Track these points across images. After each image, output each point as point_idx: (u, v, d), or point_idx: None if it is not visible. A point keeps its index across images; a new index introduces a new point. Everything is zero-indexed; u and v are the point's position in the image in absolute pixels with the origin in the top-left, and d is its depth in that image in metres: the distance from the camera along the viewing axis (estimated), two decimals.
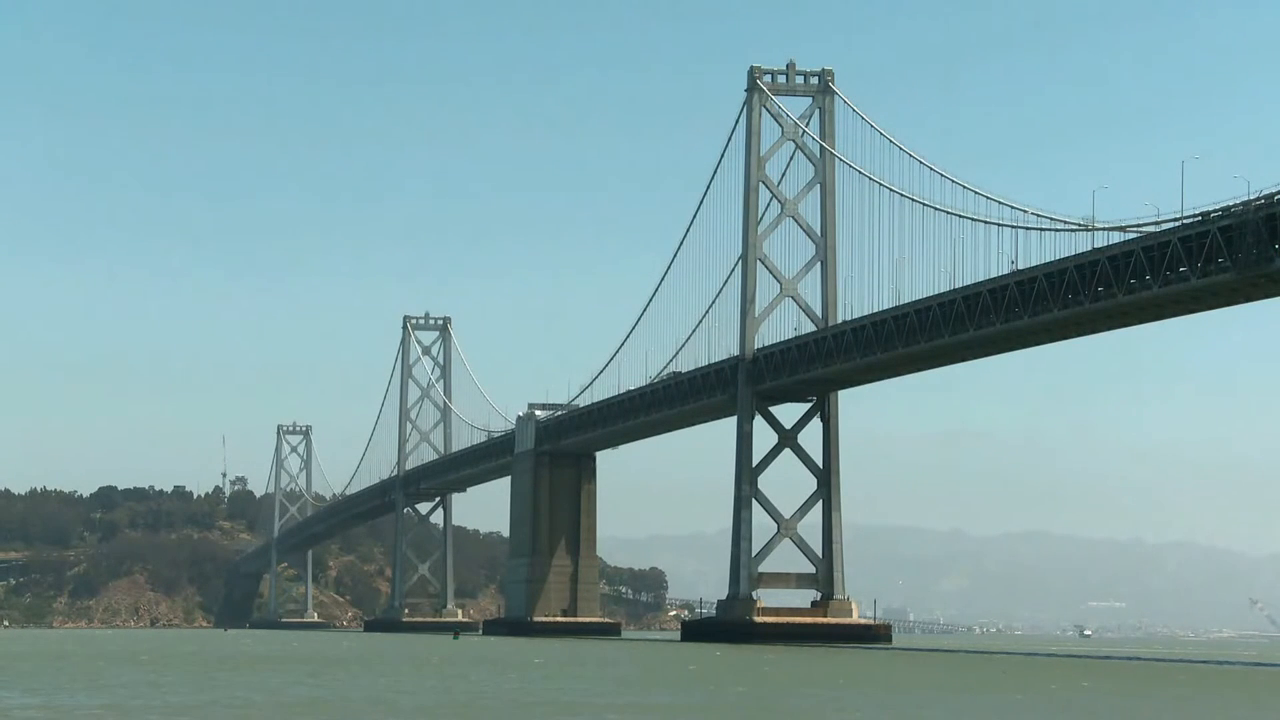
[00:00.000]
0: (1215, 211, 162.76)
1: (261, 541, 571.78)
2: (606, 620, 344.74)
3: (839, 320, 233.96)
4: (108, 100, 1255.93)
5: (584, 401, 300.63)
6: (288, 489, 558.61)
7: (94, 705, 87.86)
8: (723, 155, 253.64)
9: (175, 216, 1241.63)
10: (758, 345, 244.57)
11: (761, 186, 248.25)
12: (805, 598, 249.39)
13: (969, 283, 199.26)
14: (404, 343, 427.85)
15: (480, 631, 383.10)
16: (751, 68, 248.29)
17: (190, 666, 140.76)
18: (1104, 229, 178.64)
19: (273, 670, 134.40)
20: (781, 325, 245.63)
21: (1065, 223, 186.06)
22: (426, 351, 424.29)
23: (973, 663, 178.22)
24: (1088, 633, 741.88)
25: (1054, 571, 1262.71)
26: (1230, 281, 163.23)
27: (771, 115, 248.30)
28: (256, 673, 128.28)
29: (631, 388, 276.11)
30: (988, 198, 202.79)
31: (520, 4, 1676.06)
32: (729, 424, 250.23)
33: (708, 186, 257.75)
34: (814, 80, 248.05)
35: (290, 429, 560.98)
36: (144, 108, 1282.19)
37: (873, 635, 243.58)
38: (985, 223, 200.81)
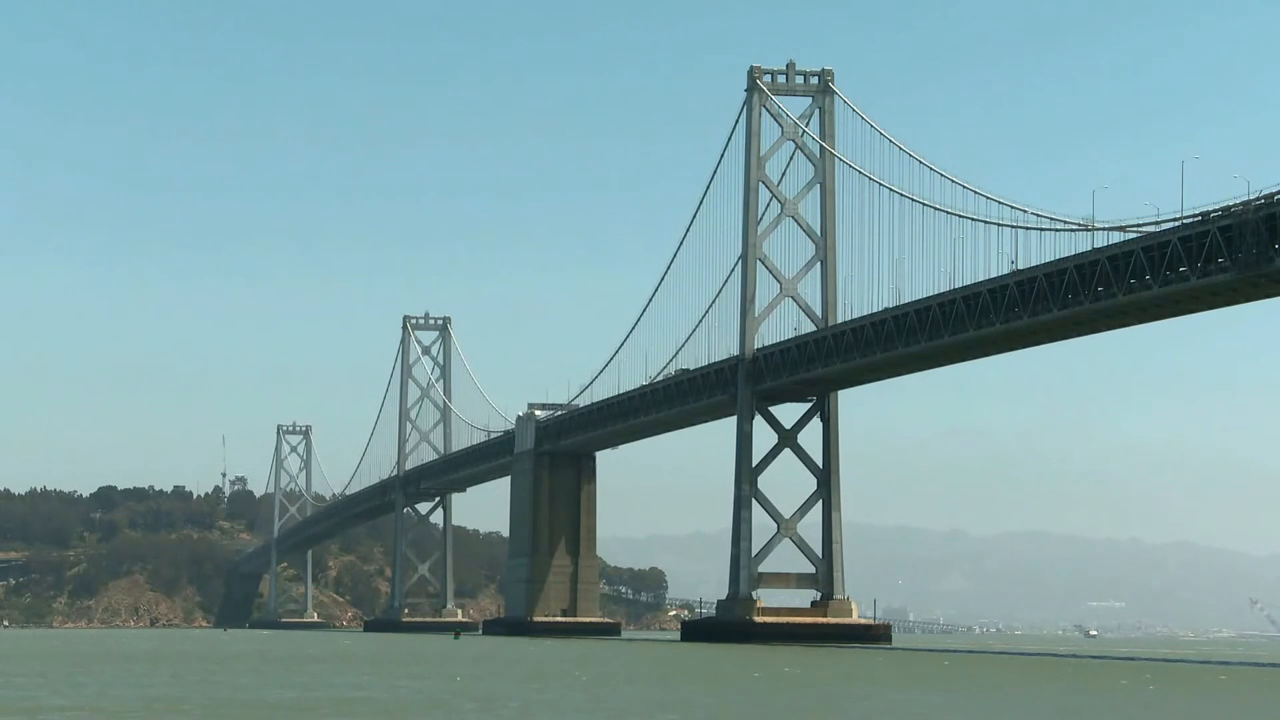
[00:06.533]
0: (1215, 211, 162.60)
1: (261, 541, 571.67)
2: (606, 620, 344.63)
3: (839, 320, 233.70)
4: (107, 100, 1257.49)
5: (584, 401, 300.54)
6: (288, 489, 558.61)
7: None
8: (723, 155, 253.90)
9: (175, 217, 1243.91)
10: (758, 345, 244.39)
11: (761, 186, 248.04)
12: (805, 598, 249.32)
13: (969, 283, 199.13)
14: (404, 343, 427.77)
15: (480, 631, 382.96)
16: (751, 68, 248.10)
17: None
18: (1104, 229, 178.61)
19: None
20: (781, 325, 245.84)
21: (1065, 223, 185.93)
22: (426, 351, 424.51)
23: (998, 663, 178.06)
24: (1092, 632, 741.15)
25: (1054, 571, 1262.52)
26: (1230, 281, 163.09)
27: (771, 115, 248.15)
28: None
29: (631, 388, 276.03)
30: (988, 198, 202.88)
31: (520, 4, 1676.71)
32: (729, 424, 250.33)
33: (708, 186, 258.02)
34: (814, 80, 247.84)
35: (290, 429, 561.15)
36: (143, 108, 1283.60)
37: (873, 635, 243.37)
38: (985, 223, 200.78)
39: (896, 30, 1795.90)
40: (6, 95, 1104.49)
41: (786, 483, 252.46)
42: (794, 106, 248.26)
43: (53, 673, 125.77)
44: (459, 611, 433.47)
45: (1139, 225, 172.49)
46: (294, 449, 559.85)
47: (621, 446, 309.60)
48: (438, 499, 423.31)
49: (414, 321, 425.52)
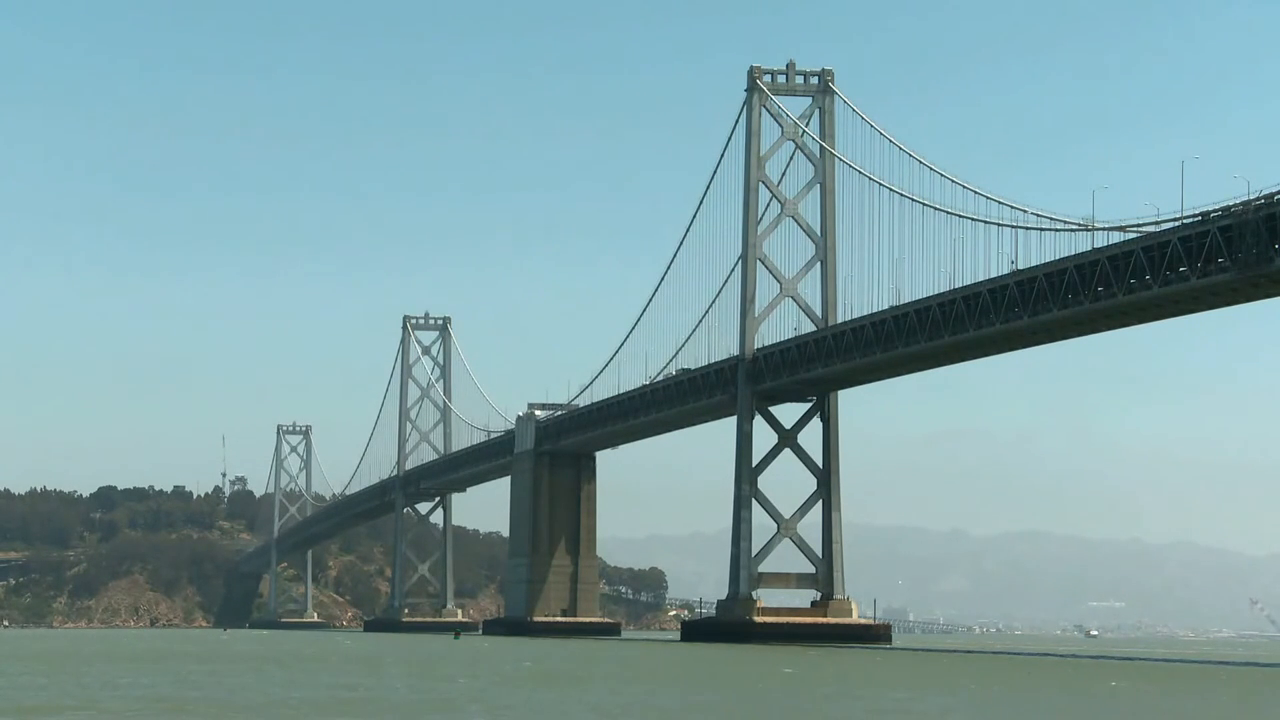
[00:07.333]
0: (1215, 211, 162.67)
1: (261, 541, 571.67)
2: (606, 620, 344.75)
3: (839, 320, 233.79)
4: (109, 100, 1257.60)
5: (584, 401, 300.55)
6: (288, 489, 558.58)
7: None
8: (723, 155, 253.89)
9: (175, 216, 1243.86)
10: (758, 345, 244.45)
11: (761, 186, 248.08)
12: (805, 598, 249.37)
13: (969, 283, 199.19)
14: (404, 343, 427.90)
15: (480, 631, 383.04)
16: (751, 68, 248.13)
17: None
18: (1104, 229, 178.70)
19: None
20: (781, 325, 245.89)
21: (1065, 223, 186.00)
22: (426, 351, 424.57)
23: (999, 663, 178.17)
24: (1093, 632, 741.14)
25: (1054, 571, 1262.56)
26: (1230, 281, 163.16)
27: (771, 115, 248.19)
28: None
29: (631, 388, 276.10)
30: (988, 198, 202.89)
31: (521, 4, 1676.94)
32: (729, 424, 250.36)
33: (708, 186, 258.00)
34: (814, 80, 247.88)
35: (290, 429, 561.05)
36: (145, 107, 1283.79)
37: (872, 635, 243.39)
38: (985, 223, 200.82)
39: (896, 30, 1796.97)
40: (6, 95, 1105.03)
41: (786, 483, 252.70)
42: (794, 106, 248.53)
43: (54, 673, 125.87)
44: (459, 611, 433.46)
45: (1139, 225, 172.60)
46: (294, 449, 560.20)
47: (621, 446, 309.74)
48: (438, 499, 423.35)
49: (414, 321, 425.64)
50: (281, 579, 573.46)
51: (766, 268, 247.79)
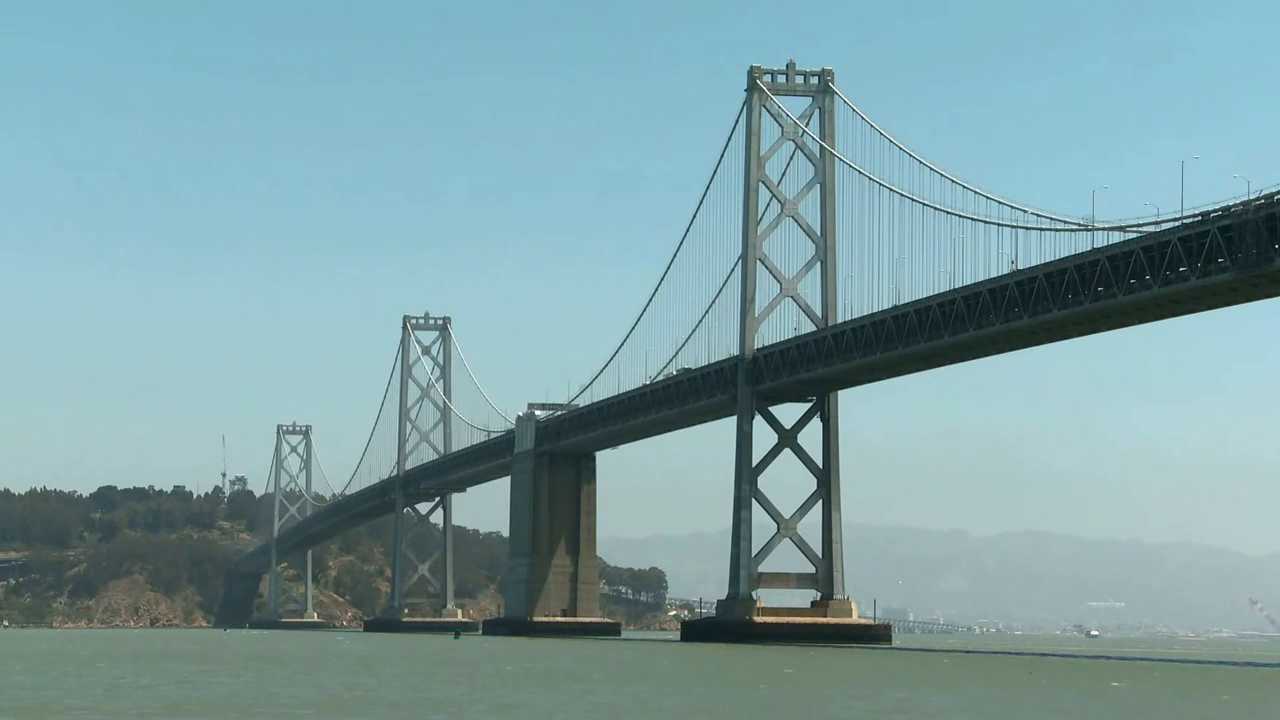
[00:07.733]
0: (1215, 211, 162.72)
1: (261, 541, 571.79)
2: (606, 620, 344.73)
3: (839, 320, 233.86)
4: (107, 100, 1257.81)
5: (584, 401, 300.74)
6: (288, 489, 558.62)
7: None
8: (723, 155, 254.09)
9: (175, 216, 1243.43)
10: (758, 345, 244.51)
11: (761, 186, 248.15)
12: (805, 598, 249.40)
13: (969, 283, 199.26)
14: (404, 343, 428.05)
15: (480, 631, 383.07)
16: (751, 68, 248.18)
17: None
18: (1104, 229, 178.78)
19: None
20: (781, 325, 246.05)
21: (1065, 223, 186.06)
22: (426, 351, 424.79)
23: (1001, 663, 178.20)
24: (1094, 632, 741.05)
25: (1054, 571, 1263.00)
26: (1230, 281, 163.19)
27: (771, 115, 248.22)
28: None
29: (631, 388, 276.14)
30: (988, 198, 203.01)
31: (520, 5, 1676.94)
32: (729, 424, 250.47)
33: (707, 186, 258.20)
34: (814, 80, 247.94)
35: (290, 429, 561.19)
36: (144, 107, 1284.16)
37: (873, 635, 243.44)
38: (985, 223, 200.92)
39: (896, 30, 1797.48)
40: (6, 95, 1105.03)
41: (786, 483, 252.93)
42: (794, 106, 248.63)
43: (55, 673, 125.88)
44: (459, 611, 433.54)
45: (1139, 225, 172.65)
46: (294, 449, 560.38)
47: (621, 446, 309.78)
48: (438, 499, 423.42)
49: (414, 321, 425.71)
50: (281, 579, 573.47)
51: (766, 268, 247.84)
